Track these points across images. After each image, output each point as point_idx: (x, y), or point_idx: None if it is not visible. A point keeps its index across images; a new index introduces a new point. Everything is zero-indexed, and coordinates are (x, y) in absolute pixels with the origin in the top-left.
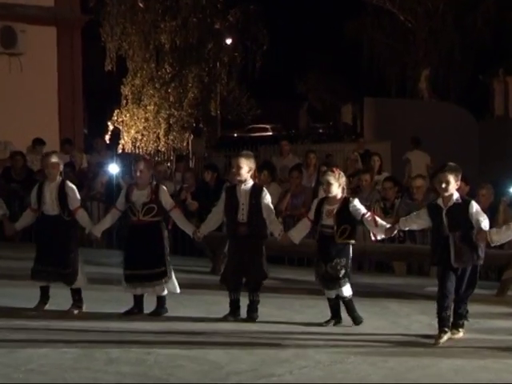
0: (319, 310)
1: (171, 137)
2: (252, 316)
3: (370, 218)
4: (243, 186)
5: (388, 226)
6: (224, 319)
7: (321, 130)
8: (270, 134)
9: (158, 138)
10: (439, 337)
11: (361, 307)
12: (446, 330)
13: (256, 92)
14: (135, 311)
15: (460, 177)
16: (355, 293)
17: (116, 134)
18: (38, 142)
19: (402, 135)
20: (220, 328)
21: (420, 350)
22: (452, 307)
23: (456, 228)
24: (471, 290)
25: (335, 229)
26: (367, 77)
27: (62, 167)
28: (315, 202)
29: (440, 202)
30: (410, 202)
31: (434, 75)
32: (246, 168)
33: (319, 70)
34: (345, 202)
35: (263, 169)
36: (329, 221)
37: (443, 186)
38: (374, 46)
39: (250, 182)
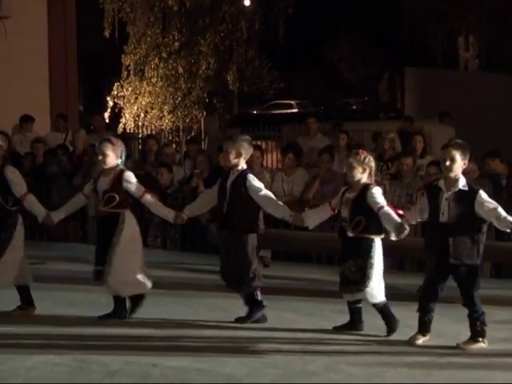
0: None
1: (180, 114)
2: (249, 317)
3: (387, 213)
4: (231, 174)
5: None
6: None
7: (354, 107)
8: (295, 110)
9: (164, 116)
10: (415, 338)
11: (396, 313)
12: (425, 334)
13: (279, 63)
14: (112, 315)
15: (468, 157)
16: (391, 296)
17: (116, 111)
18: (26, 119)
19: (450, 112)
20: (235, 335)
21: (467, 361)
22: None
23: (458, 219)
24: (475, 289)
25: (348, 220)
26: (408, 45)
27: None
28: (342, 189)
29: (442, 183)
30: None
31: (486, 43)
32: (234, 153)
33: (353, 37)
34: (363, 190)
35: (288, 151)
36: (345, 212)
37: (447, 163)
38: (415, 8)
39: (239, 169)
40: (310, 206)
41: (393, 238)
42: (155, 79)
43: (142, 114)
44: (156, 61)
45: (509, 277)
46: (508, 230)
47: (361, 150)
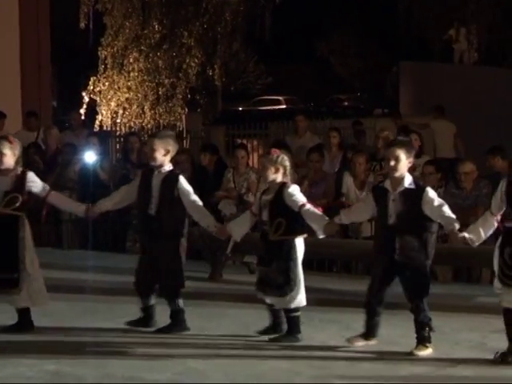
0: (344, 325)
1: (160, 111)
2: (178, 328)
3: (311, 211)
4: (157, 173)
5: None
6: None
7: (346, 103)
8: (283, 107)
9: (144, 113)
10: (354, 339)
11: (394, 322)
12: (370, 338)
13: (265, 56)
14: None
15: (413, 155)
16: (387, 305)
17: (92, 108)
18: None
19: (447, 108)
20: (220, 347)
21: (463, 373)
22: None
23: (405, 219)
24: (424, 293)
25: (269, 223)
26: (404, 37)
27: None
28: (260, 192)
29: (388, 184)
30: (456, 191)
31: (487, 35)
32: (162, 151)
33: (344, 29)
34: (280, 190)
35: None
36: (265, 214)
37: (392, 163)
38: None
39: (167, 168)
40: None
41: (320, 236)
42: (134, 73)
43: (121, 111)
44: (135, 54)
45: None
46: (452, 228)
47: (273, 150)
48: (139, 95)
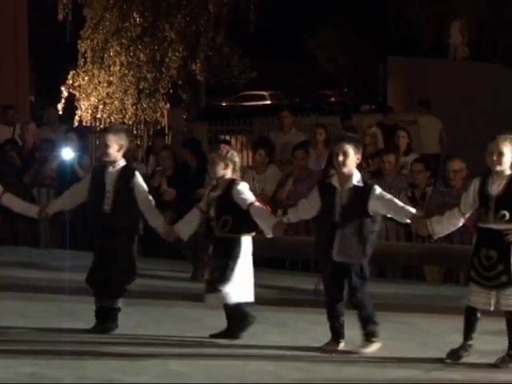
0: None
1: (142, 106)
2: (109, 327)
3: (259, 209)
4: (111, 169)
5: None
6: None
7: (332, 99)
8: (268, 102)
9: (125, 108)
10: (329, 345)
11: (381, 325)
12: (340, 340)
13: (250, 50)
14: None
15: (361, 151)
16: (374, 305)
17: (71, 102)
18: None
19: (437, 105)
20: (200, 350)
21: (452, 376)
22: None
23: (349, 216)
24: (362, 289)
25: (215, 220)
26: (393, 32)
27: None
28: (208, 188)
29: (335, 180)
30: (444, 190)
31: (478, 30)
32: (116, 146)
33: (331, 23)
34: (229, 187)
35: (258, 147)
36: (212, 211)
37: (340, 158)
38: None
39: (121, 164)
40: (283, 207)
41: (268, 235)
42: (115, 67)
43: (101, 106)
44: (116, 47)
45: None
46: (407, 221)
47: (223, 145)
48: (120, 90)
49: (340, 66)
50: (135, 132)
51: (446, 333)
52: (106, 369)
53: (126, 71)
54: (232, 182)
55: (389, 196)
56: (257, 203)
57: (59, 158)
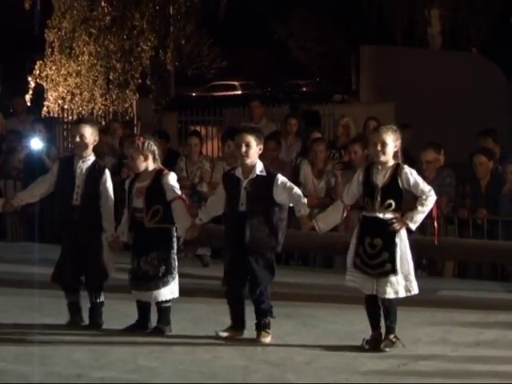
0: (301, 320)
1: (111, 97)
2: (96, 322)
3: (178, 208)
4: (81, 163)
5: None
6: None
7: (304, 89)
8: (239, 92)
9: (94, 99)
10: (222, 331)
11: (354, 317)
12: (241, 329)
13: (221, 39)
14: None
15: (262, 141)
16: (345, 300)
17: (39, 93)
18: None
19: (410, 94)
20: (173, 347)
21: (426, 370)
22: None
23: (255, 205)
24: (269, 279)
25: (145, 210)
26: (365, 20)
27: None
28: (127, 182)
29: (239, 172)
30: None
31: (452, 18)
32: (91, 139)
33: (303, 11)
34: (157, 177)
35: (227, 138)
36: (139, 202)
37: (243, 150)
38: None
39: (91, 159)
40: None
41: (181, 236)
42: (84, 57)
43: (69, 97)
44: (84, 37)
45: (474, 277)
46: (302, 213)
47: (137, 137)
48: (89, 80)
49: (312, 55)
50: (104, 123)
51: (418, 326)
52: (75, 364)
53: (95, 61)
54: (161, 172)
55: (289, 186)
56: (179, 200)
57: (27, 148)
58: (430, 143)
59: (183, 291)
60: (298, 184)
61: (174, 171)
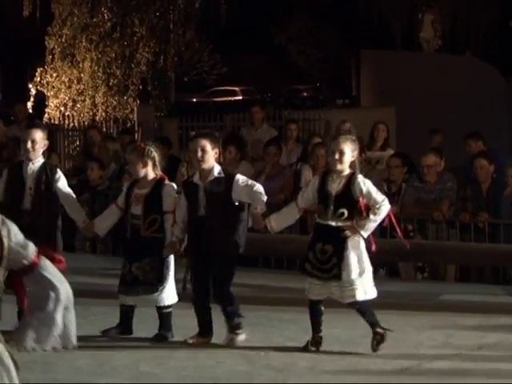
0: (304, 325)
1: (112, 103)
2: None
3: (171, 220)
4: (31, 165)
5: None
6: None
7: (305, 93)
8: (239, 98)
9: (96, 105)
10: (192, 338)
11: (355, 322)
12: (207, 335)
13: (221, 45)
14: None
15: (217, 145)
16: (347, 306)
17: (41, 100)
18: None
19: (410, 98)
20: (175, 353)
21: (436, 374)
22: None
23: (215, 207)
24: (230, 281)
25: (142, 218)
26: (365, 25)
27: None
28: (126, 184)
29: (196, 178)
30: (419, 184)
31: (450, 22)
32: (42, 143)
33: (303, 16)
34: (158, 186)
35: (228, 144)
36: (137, 209)
37: (199, 155)
38: None
39: (41, 160)
40: None
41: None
42: (84, 64)
43: (70, 103)
44: (85, 43)
45: (476, 281)
46: (258, 211)
47: (138, 144)
48: (91, 87)
49: (312, 59)
50: (105, 129)
51: (420, 330)
52: (77, 371)
53: (96, 68)
54: (161, 181)
55: (252, 183)
56: (172, 215)
57: None
58: (431, 148)
59: (187, 297)
60: (299, 189)
61: (175, 177)
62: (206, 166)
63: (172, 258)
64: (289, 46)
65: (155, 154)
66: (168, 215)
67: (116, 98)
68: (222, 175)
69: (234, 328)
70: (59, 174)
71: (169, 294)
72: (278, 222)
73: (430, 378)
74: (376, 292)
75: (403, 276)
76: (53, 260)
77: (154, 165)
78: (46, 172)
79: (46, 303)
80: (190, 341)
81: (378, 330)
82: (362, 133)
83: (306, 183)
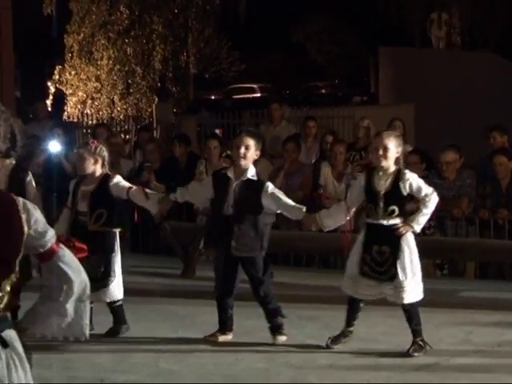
0: (323, 322)
1: (130, 101)
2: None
3: (137, 191)
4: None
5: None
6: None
7: (323, 91)
8: (258, 95)
9: (114, 102)
10: (214, 336)
11: (375, 319)
12: (227, 332)
13: (239, 42)
14: None
15: (261, 145)
16: (373, 301)
17: (60, 98)
18: None
19: (428, 95)
20: (195, 350)
21: (456, 371)
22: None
23: (243, 209)
24: (266, 282)
25: (89, 214)
26: (383, 22)
27: None
28: (72, 182)
29: (231, 172)
30: (438, 181)
31: (469, 19)
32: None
33: (321, 14)
34: (104, 181)
35: None
36: (83, 205)
37: (241, 151)
38: None
39: (12, 161)
40: None
41: (153, 212)
42: (102, 62)
43: (89, 101)
44: (103, 41)
45: (495, 277)
46: (302, 213)
47: (91, 141)
48: (108, 84)
49: (330, 57)
50: (124, 127)
51: (440, 327)
52: (97, 368)
53: (114, 65)
54: (106, 176)
55: (280, 195)
56: (134, 187)
57: (46, 152)
58: (450, 144)
59: (204, 294)
60: (318, 186)
61: (193, 174)
62: (243, 163)
63: (119, 252)
64: (307, 44)
65: (106, 154)
66: (131, 192)
67: (135, 96)
68: (256, 178)
69: (274, 328)
70: (30, 177)
71: (118, 289)
72: (330, 220)
73: (449, 374)
74: (422, 293)
75: (422, 273)
76: (73, 248)
77: (103, 164)
78: (17, 173)
79: (58, 294)
80: (211, 338)
81: (420, 341)
82: (381, 130)
83: (325, 180)
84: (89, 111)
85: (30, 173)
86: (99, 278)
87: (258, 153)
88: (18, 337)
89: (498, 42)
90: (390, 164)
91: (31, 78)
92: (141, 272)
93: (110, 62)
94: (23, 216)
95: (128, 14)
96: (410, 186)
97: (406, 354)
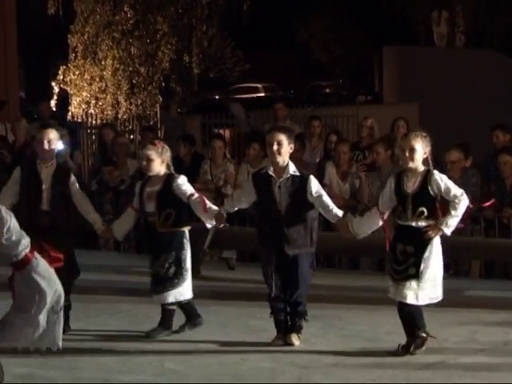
0: (328, 321)
1: (135, 101)
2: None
3: (197, 201)
4: (45, 167)
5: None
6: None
7: (327, 90)
8: (262, 95)
9: (118, 103)
10: (276, 341)
11: (380, 318)
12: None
13: (243, 42)
14: None
15: (293, 140)
16: (370, 301)
17: (64, 98)
18: None
19: (433, 94)
20: (200, 350)
21: (462, 371)
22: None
23: (291, 207)
24: (308, 281)
25: (157, 215)
26: (387, 21)
27: None
28: (138, 184)
29: (271, 171)
30: None
31: (473, 18)
32: (56, 143)
33: (325, 13)
34: (168, 181)
35: (252, 141)
36: (151, 206)
37: (275, 148)
38: None
39: (55, 162)
40: None
41: (208, 225)
42: (107, 62)
43: (93, 101)
44: (107, 41)
45: (500, 277)
46: (339, 219)
47: (157, 141)
48: (113, 85)
49: (334, 56)
50: (129, 127)
51: (445, 326)
52: (102, 368)
53: (118, 65)
54: (171, 176)
55: (322, 192)
56: (196, 195)
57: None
58: (455, 143)
59: (209, 294)
60: (323, 185)
61: (198, 174)
62: (281, 159)
63: (189, 250)
64: (311, 43)
65: (169, 154)
66: (192, 199)
67: (139, 96)
68: (298, 173)
69: (297, 328)
70: (74, 178)
71: (188, 288)
72: (362, 227)
73: (454, 373)
74: (442, 295)
75: None
76: (49, 258)
77: (168, 164)
78: (61, 174)
79: (31, 305)
80: (276, 343)
81: (422, 334)
82: (385, 129)
83: (330, 180)
84: (93, 111)
85: (72, 174)
86: (169, 278)
87: (292, 145)
88: None
89: (502, 41)
90: (417, 165)
91: (35, 78)
92: (145, 272)
93: (115, 62)
94: None
95: (132, 14)
96: (438, 186)
97: (412, 354)
